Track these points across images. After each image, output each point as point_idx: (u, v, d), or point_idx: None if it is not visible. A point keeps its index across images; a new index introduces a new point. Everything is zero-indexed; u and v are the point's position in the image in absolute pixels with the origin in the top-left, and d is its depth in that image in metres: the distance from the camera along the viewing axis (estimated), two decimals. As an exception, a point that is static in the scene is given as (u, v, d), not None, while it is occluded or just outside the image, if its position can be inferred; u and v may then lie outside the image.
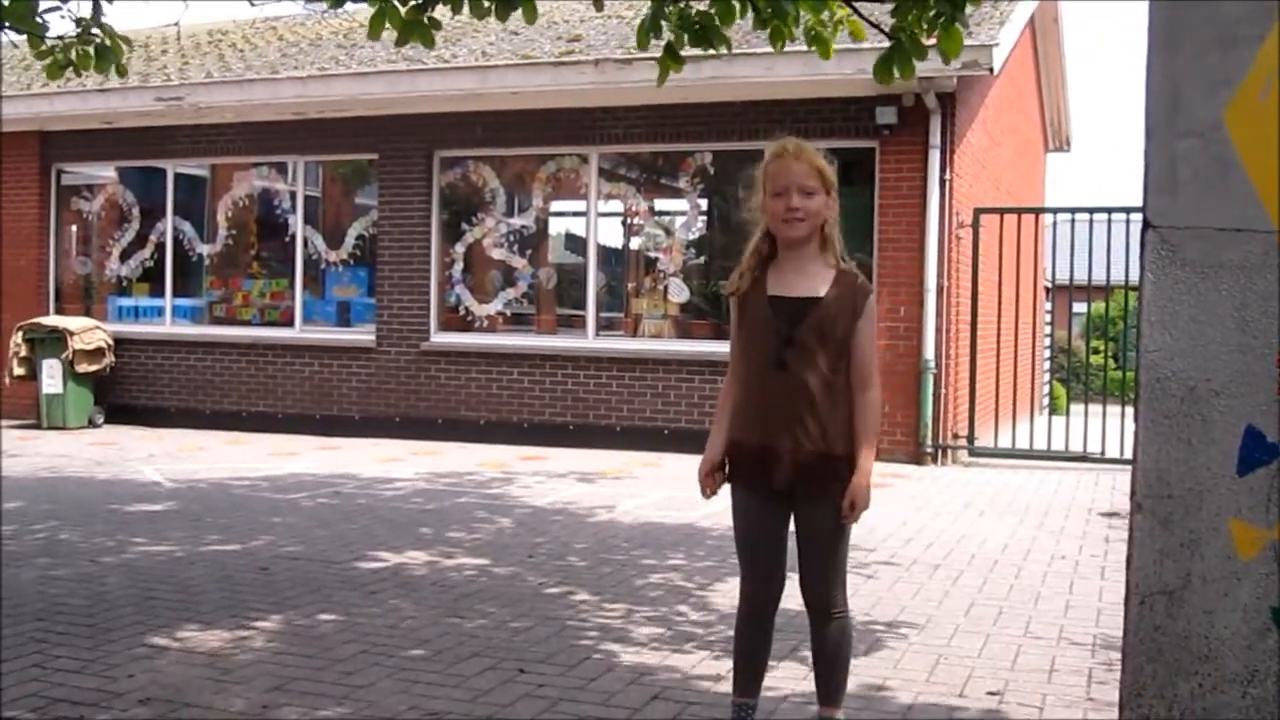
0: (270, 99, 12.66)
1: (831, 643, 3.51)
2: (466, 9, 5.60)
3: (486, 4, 5.64)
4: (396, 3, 5.54)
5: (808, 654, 3.77)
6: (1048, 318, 18.88)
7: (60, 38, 6.37)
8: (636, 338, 12.05)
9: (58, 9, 6.08)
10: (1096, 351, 21.91)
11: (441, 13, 5.74)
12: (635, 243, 12.46)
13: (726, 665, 4.45)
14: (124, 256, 14.20)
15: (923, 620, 5.26)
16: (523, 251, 12.57)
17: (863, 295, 3.44)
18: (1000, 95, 13.56)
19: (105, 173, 14.42)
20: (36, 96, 13.60)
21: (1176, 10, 2.31)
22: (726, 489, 3.56)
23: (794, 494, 3.42)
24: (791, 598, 3.58)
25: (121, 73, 6.55)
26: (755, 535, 3.50)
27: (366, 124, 12.69)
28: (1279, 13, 2.23)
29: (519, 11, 5.62)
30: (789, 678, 4.33)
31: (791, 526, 3.51)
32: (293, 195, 13.45)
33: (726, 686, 4.21)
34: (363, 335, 12.93)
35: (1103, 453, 10.75)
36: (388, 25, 5.58)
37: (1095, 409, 11.39)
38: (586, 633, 4.97)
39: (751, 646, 3.58)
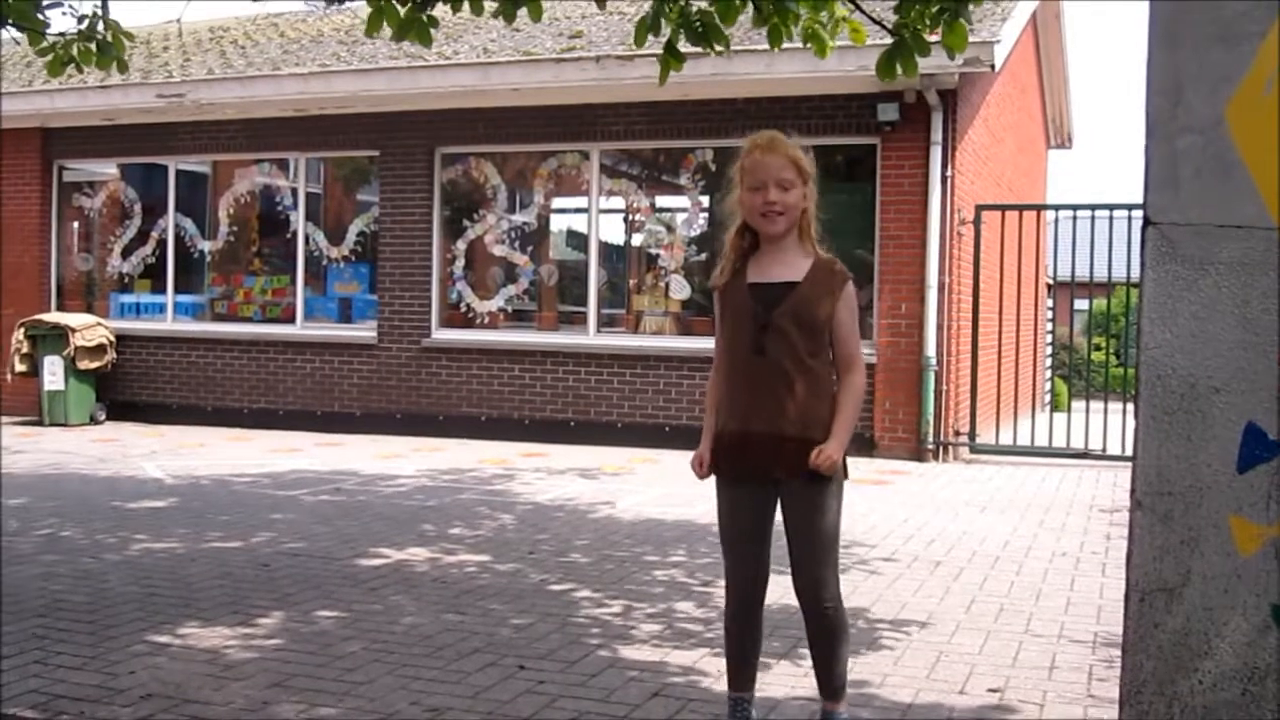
0: (272, 96, 12.65)
1: (828, 637, 3.51)
2: (467, 7, 5.59)
3: (490, 3, 5.64)
4: (395, 1, 5.53)
5: (804, 653, 3.77)
6: (1049, 314, 18.88)
7: (62, 34, 6.37)
8: (638, 334, 12.05)
9: (59, 5, 6.08)
10: (1098, 348, 21.91)
11: (441, 11, 5.73)
12: (637, 239, 12.46)
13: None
14: (125, 253, 14.21)
15: (924, 617, 5.26)
16: (524, 248, 12.57)
17: (840, 280, 3.45)
18: (1002, 92, 13.55)
19: (107, 169, 14.42)
20: (37, 93, 13.60)
21: (1177, 7, 2.30)
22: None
23: (775, 480, 3.44)
24: (787, 596, 3.58)
25: (123, 69, 6.55)
26: (739, 523, 3.51)
27: (368, 121, 12.69)
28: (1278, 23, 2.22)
29: (523, 10, 5.61)
30: (788, 675, 4.33)
31: (779, 523, 3.51)
32: (294, 192, 13.45)
33: (725, 684, 4.22)
34: (364, 332, 12.94)
35: (1104, 449, 10.75)
36: (385, 24, 5.58)
37: (1096, 406, 11.38)
38: (587, 629, 4.97)
39: (743, 640, 3.58)
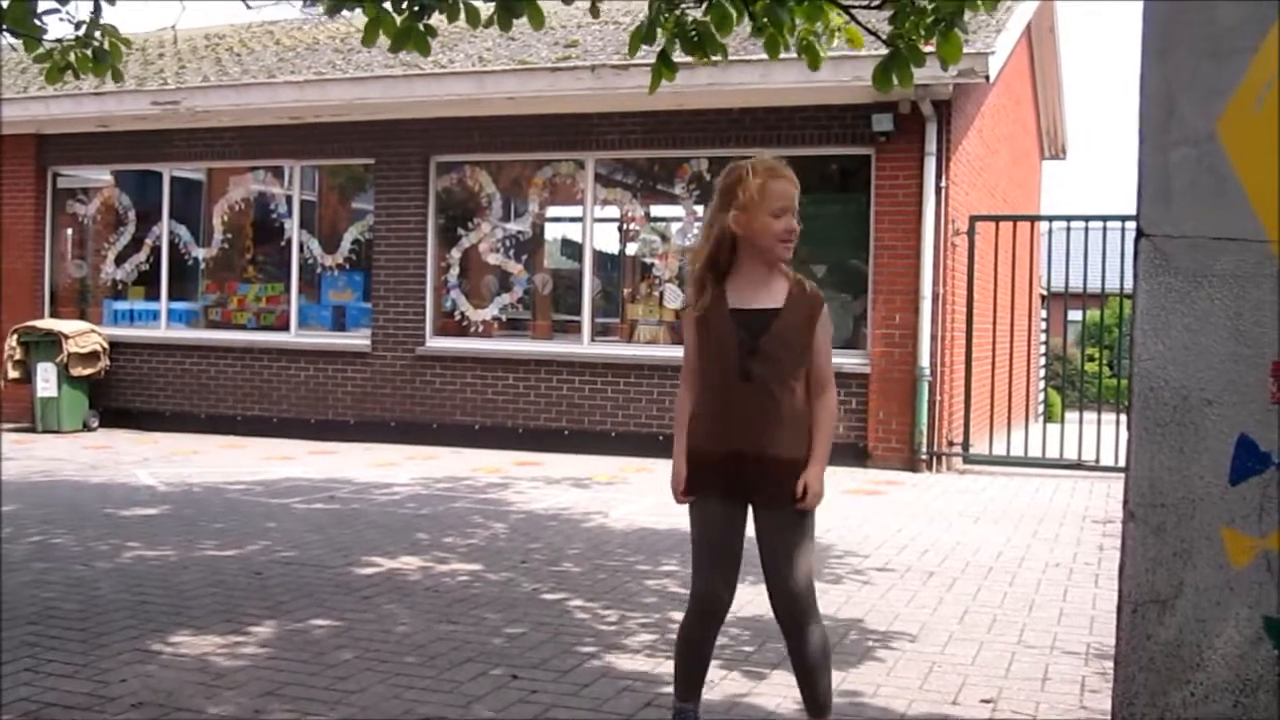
0: (267, 103, 12.65)
1: (812, 654, 3.50)
2: (463, 16, 5.58)
3: (487, 12, 5.63)
4: (391, 10, 5.52)
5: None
6: (1043, 325, 18.90)
7: (59, 40, 6.37)
8: (632, 343, 12.05)
9: (56, 11, 6.08)
10: (1091, 359, 21.93)
11: (437, 20, 5.72)
12: (631, 248, 12.46)
13: (721, 673, 4.45)
14: (119, 260, 14.19)
15: (916, 628, 5.26)
16: (519, 257, 12.57)
17: (818, 304, 3.52)
18: (996, 103, 13.58)
19: (101, 176, 14.42)
20: (32, 99, 13.60)
21: (1171, 20, 2.31)
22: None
23: (755, 500, 3.48)
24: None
25: (117, 77, 6.55)
26: (719, 538, 3.52)
27: (363, 129, 12.69)
28: (1275, 21, 2.23)
29: (520, 20, 5.61)
30: (783, 684, 4.32)
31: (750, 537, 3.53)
32: (289, 199, 13.45)
33: (719, 693, 4.22)
34: (358, 340, 12.93)
35: (1097, 460, 10.76)
36: (382, 33, 5.56)
37: (1090, 416, 11.39)
38: (580, 639, 4.97)
39: (703, 652, 3.60)
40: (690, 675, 3.61)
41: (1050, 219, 12.88)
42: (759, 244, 3.46)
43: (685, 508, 3.62)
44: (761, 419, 3.43)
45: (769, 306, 3.46)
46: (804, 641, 3.49)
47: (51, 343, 12.92)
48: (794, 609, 3.48)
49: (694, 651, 3.60)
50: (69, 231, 14.64)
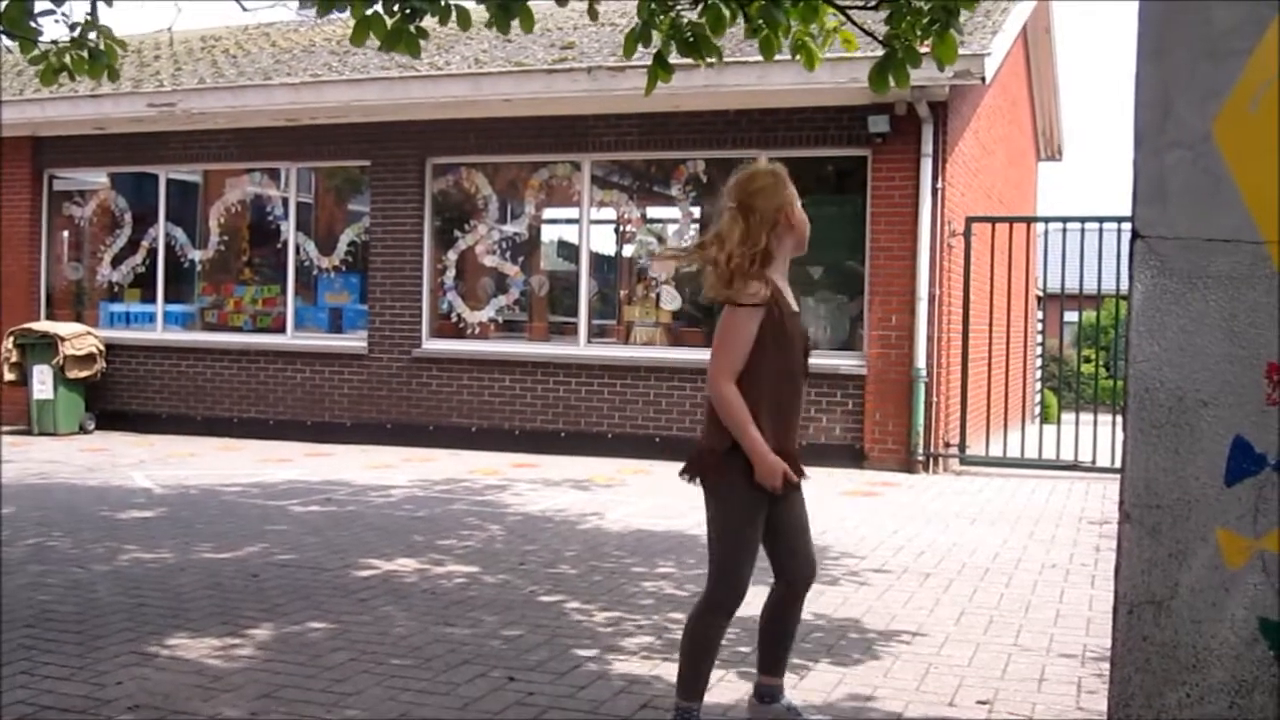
0: (263, 105, 12.64)
1: (799, 613, 3.75)
2: (455, 18, 5.58)
3: (484, 14, 5.63)
4: (382, 12, 5.51)
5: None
6: (1039, 326, 18.91)
7: (54, 42, 6.36)
8: (628, 345, 12.05)
9: (52, 13, 6.07)
10: (1087, 360, 21.94)
11: (430, 22, 5.71)
12: (628, 250, 12.47)
13: (719, 673, 4.44)
14: (116, 262, 14.17)
15: (913, 629, 5.26)
16: (515, 259, 12.57)
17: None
18: (992, 104, 13.59)
19: (97, 178, 14.40)
20: (28, 102, 13.58)
21: (1167, 21, 2.31)
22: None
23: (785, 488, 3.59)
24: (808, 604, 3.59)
25: (114, 77, 6.53)
26: (757, 544, 3.59)
27: (359, 130, 12.69)
28: (1272, 22, 2.23)
29: (515, 21, 5.60)
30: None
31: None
32: (285, 201, 13.44)
33: (716, 695, 4.21)
34: (354, 342, 12.92)
35: (1093, 461, 10.76)
36: (372, 35, 5.55)
37: (1086, 417, 11.39)
38: (577, 640, 4.97)
39: (716, 651, 3.66)
40: (702, 675, 3.63)
41: (1046, 220, 12.89)
42: (804, 239, 3.63)
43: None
44: (801, 413, 3.68)
45: (796, 308, 3.64)
46: (800, 607, 3.74)
47: (48, 345, 12.90)
48: (810, 576, 3.72)
49: (711, 651, 3.63)
50: (65, 234, 14.62)
